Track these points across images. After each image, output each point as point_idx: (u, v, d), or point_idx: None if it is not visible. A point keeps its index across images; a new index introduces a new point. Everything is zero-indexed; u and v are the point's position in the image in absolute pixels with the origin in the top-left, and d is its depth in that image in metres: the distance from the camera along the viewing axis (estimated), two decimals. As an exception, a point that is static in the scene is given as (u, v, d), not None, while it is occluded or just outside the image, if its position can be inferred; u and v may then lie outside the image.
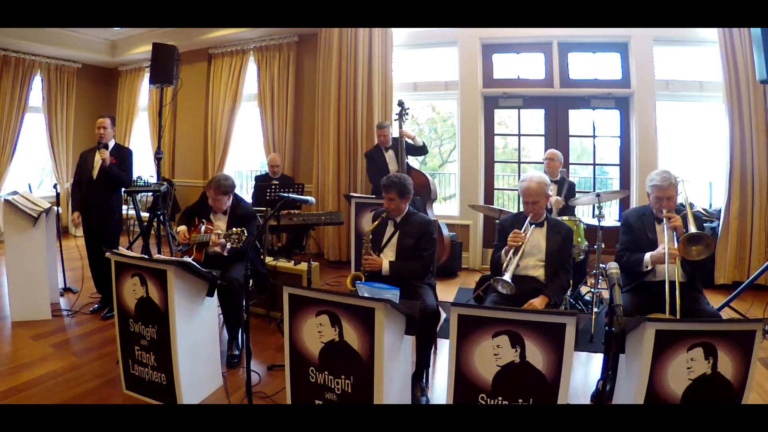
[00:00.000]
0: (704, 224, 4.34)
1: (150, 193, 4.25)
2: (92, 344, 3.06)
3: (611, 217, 4.69)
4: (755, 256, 4.27)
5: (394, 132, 4.64)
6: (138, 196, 4.05)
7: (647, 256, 2.34)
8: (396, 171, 4.43)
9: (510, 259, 2.36)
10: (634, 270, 2.40)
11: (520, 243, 2.37)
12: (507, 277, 2.28)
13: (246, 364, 2.15)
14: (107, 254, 2.46)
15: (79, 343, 3.08)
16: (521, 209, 2.66)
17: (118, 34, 6.58)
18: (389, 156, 4.66)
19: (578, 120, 5.23)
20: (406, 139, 4.58)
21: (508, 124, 5.99)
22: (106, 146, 3.45)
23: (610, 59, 5.00)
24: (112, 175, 3.44)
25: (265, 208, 4.21)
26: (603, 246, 3.64)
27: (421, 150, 4.70)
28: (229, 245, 2.86)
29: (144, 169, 6.81)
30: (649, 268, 2.34)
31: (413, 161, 5.07)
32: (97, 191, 3.49)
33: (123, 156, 3.56)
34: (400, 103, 4.63)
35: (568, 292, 3.41)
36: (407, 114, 4.63)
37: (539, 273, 2.47)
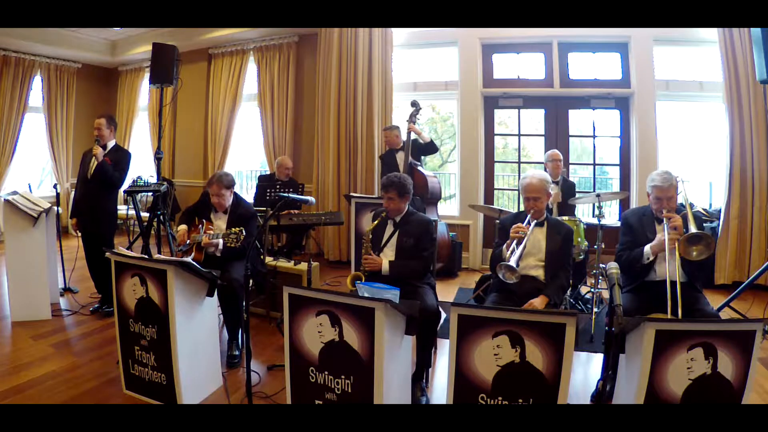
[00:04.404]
0: (704, 224, 4.34)
1: (150, 193, 4.25)
2: (92, 344, 3.06)
3: (611, 217, 4.70)
4: (755, 256, 4.27)
5: (405, 133, 4.65)
6: (138, 196, 4.06)
7: (647, 247, 2.34)
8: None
9: (513, 249, 2.32)
10: (635, 267, 2.39)
11: (523, 235, 2.34)
12: (512, 262, 2.22)
13: (246, 364, 2.15)
14: (107, 254, 2.46)
15: (79, 343, 3.08)
16: (521, 209, 2.65)
17: (118, 34, 6.59)
18: (400, 157, 4.67)
19: (578, 120, 5.23)
20: (414, 135, 4.58)
21: (508, 124, 5.99)
22: (104, 147, 3.44)
23: (610, 59, 5.00)
24: (105, 173, 3.39)
25: (265, 208, 4.21)
26: (603, 246, 3.64)
27: (430, 147, 4.69)
28: (221, 243, 2.85)
29: (144, 169, 6.82)
30: (650, 259, 2.33)
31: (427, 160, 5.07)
32: (90, 191, 3.48)
33: (120, 157, 3.52)
34: (414, 103, 4.63)
35: (568, 292, 3.41)
36: (419, 115, 4.64)
37: (539, 273, 2.46)
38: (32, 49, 6.20)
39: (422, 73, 5.66)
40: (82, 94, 7.00)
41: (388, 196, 2.60)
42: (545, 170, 4.02)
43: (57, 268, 3.90)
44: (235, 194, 3.11)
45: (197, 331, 2.41)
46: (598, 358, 2.92)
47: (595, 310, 3.47)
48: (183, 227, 3.05)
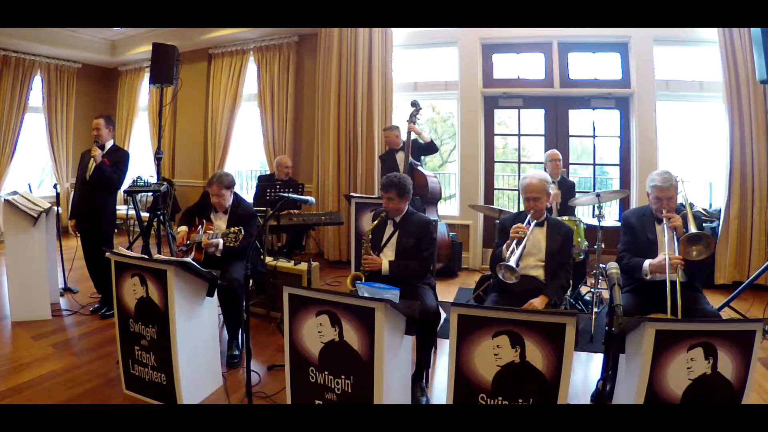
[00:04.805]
0: (704, 224, 4.34)
1: (150, 193, 4.24)
2: (92, 344, 3.06)
3: (611, 217, 4.69)
4: (755, 256, 4.27)
5: (404, 133, 4.65)
6: (138, 196, 4.05)
7: (646, 264, 2.30)
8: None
9: (513, 250, 2.32)
10: (633, 275, 2.40)
11: (522, 235, 2.34)
12: (512, 262, 2.21)
13: (246, 364, 2.15)
14: (107, 254, 2.46)
15: (79, 343, 3.09)
16: (521, 209, 2.65)
17: (118, 34, 6.59)
18: (400, 157, 4.67)
19: (578, 120, 5.23)
20: (414, 135, 4.59)
21: (508, 124, 6.00)
22: (102, 146, 3.44)
23: (610, 59, 5.00)
24: (103, 174, 3.39)
25: (265, 208, 4.21)
26: (603, 246, 3.64)
27: (430, 147, 4.69)
28: (222, 243, 2.85)
29: (144, 169, 6.82)
30: (648, 278, 2.31)
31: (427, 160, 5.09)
32: (89, 192, 3.48)
33: (118, 157, 3.51)
34: (414, 103, 4.64)
35: (568, 292, 3.41)
36: (419, 115, 4.65)
37: (539, 273, 2.46)
38: (32, 49, 6.20)
39: (422, 73, 5.66)
40: (82, 94, 7.00)
41: (387, 196, 2.60)
42: (545, 170, 4.02)
43: (57, 268, 3.90)
44: (235, 194, 3.11)
45: (197, 331, 2.41)
46: (598, 358, 2.92)
47: (595, 310, 3.47)
48: (183, 228, 3.05)
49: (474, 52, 5.18)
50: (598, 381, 2.46)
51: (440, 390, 2.55)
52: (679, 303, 2.10)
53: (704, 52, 4.71)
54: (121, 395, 2.45)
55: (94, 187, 3.46)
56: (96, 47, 6.74)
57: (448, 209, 5.81)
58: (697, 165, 5.16)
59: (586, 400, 2.45)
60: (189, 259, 2.33)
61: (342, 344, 1.89)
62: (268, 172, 5.59)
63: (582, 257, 3.64)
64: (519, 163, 5.78)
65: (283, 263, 3.62)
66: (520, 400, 1.72)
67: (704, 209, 4.68)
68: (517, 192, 4.52)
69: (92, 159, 3.40)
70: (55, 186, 4.58)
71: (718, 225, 4.45)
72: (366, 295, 1.97)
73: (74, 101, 6.83)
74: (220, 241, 2.86)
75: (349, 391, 1.90)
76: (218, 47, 6.23)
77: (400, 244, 2.62)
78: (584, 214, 5.28)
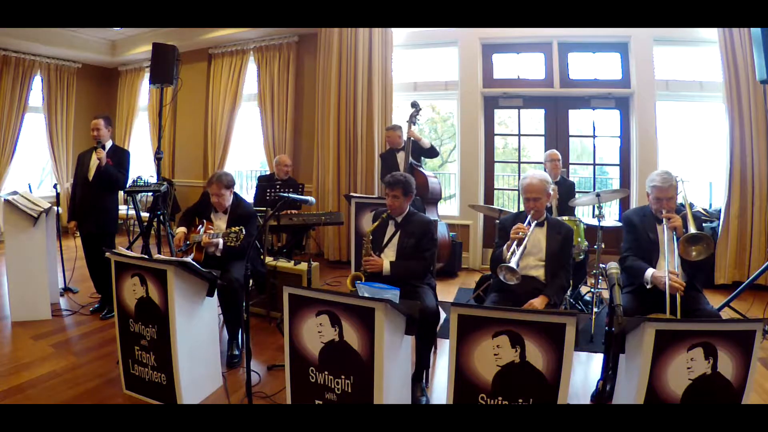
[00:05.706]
0: (704, 224, 4.34)
1: (150, 193, 4.24)
2: (92, 344, 3.06)
3: (611, 217, 4.69)
4: (755, 256, 4.27)
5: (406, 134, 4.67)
6: (138, 196, 4.05)
7: (648, 274, 2.29)
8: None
9: (513, 251, 2.31)
10: (635, 279, 2.39)
11: (523, 236, 2.34)
12: (512, 263, 2.20)
13: (246, 364, 2.15)
14: (107, 254, 2.46)
15: (79, 343, 3.08)
16: (521, 209, 2.65)
17: (118, 34, 6.59)
18: (400, 157, 4.68)
19: (578, 120, 5.23)
20: (413, 139, 4.60)
21: (508, 124, 6.00)
22: (103, 146, 3.44)
23: (610, 59, 5.00)
24: (109, 175, 3.41)
25: (265, 208, 4.20)
26: (603, 246, 3.63)
27: (430, 152, 4.71)
28: (221, 243, 2.85)
29: (144, 169, 6.82)
30: (648, 287, 2.30)
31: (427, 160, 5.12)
32: (92, 192, 3.48)
33: (120, 157, 3.53)
34: (414, 104, 4.64)
35: (568, 292, 3.41)
36: (419, 116, 4.65)
37: (539, 273, 2.46)
38: (32, 49, 6.20)
39: (422, 73, 5.66)
40: (82, 94, 7.00)
41: (393, 194, 2.60)
42: (544, 170, 4.02)
43: (57, 268, 3.90)
44: (235, 194, 3.11)
45: (197, 331, 2.41)
46: (598, 358, 2.92)
47: (595, 310, 3.47)
48: (181, 230, 3.04)
49: (474, 52, 5.18)
50: (598, 381, 2.46)
51: (440, 390, 2.55)
52: (678, 304, 2.10)
53: (704, 52, 4.71)
54: (121, 395, 2.45)
55: (99, 188, 3.46)
56: (96, 47, 6.74)
57: (448, 209, 5.80)
58: (697, 165, 5.15)
59: (586, 400, 2.45)
60: (189, 259, 2.33)
61: (342, 344, 1.89)
62: (267, 172, 5.59)
63: (582, 257, 3.64)
64: (519, 163, 5.78)
65: (283, 263, 3.62)
66: (520, 400, 1.72)
67: (704, 209, 4.68)
68: (517, 192, 4.52)
69: (98, 160, 3.39)
70: (55, 186, 4.58)
71: (718, 225, 4.45)
72: (366, 295, 1.97)
73: (74, 101, 6.83)
74: (221, 240, 2.86)
75: (349, 391, 1.90)
76: (218, 47, 6.23)
77: (401, 244, 2.63)
78: (584, 214, 5.28)
